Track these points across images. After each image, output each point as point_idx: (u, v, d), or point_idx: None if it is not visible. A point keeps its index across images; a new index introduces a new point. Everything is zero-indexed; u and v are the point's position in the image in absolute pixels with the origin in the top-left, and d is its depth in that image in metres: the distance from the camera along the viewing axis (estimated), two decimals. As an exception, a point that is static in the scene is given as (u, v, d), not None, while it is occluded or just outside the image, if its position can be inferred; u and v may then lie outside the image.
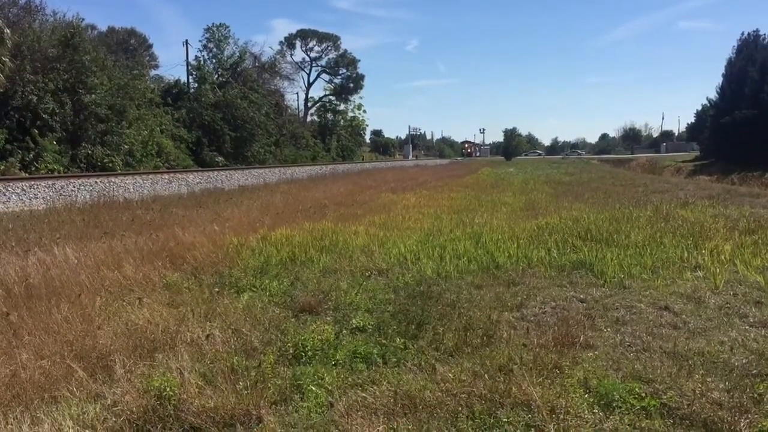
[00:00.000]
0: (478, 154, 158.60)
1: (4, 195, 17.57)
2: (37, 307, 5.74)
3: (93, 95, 30.82)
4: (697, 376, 4.34)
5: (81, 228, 11.18)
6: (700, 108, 77.13)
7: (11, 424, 3.60)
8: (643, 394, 4.03)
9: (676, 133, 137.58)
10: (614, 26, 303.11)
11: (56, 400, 4.03)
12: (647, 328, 5.57)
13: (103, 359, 4.66)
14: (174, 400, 3.90)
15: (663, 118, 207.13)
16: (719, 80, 60.67)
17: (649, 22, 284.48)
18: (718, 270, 7.69)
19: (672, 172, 55.18)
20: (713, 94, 62.12)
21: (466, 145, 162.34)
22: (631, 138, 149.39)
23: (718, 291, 6.91)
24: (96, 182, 21.69)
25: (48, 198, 18.07)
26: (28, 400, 3.98)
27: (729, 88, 56.91)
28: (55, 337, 5.04)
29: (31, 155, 26.93)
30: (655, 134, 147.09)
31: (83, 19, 35.74)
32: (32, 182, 19.62)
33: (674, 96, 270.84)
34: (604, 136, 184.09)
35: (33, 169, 26.51)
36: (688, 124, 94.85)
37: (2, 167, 24.82)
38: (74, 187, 20.29)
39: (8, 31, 27.57)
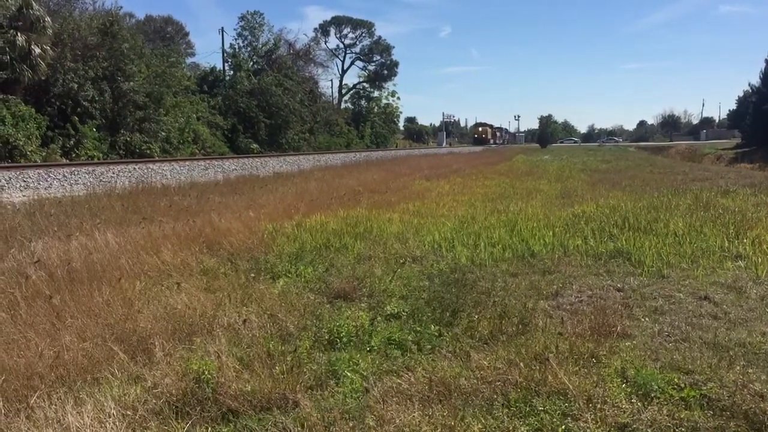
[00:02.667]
0: (500, 140, 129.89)
1: (47, 181, 17.94)
2: (79, 291, 5.86)
3: (131, 83, 31.31)
4: (738, 367, 4.26)
5: (120, 213, 11.38)
6: (741, 94, 75.16)
7: (55, 405, 3.69)
8: (683, 385, 3.98)
9: (717, 120, 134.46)
10: (652, 11, 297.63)
11: (98, 381, 4.12)
12: (686, 318, 5.48)
13: (143, 342, 4.76)
14: (212, 383, 3.96)
15: (703, 105, 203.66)
16: (762, 65, 58.89)
17: (687, 7, 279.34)
18: (760, 260, 7.53)
19: (712, 159, 53.97)
20: (756, 80, 60.36)
21: (480, 129, 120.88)
22: (670, 125, 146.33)
23: (760, 281, 6.77)
24: (134, 169, 22.03)
25: (88, 184, 18.40)
26: (71, 381, 4.09)
27: (772, 74, 55.26)
28: (97, 320, 5.15)
29: (72, 142, 27.49)
30: (695, 121, 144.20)
31: (121, 8, 36.48)
32: (73, 168, 20.01)
33: (715, 82, 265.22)
34: (642, 123, 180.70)
35: (74, 155, 27.05)
36: (729, 110, 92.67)
37: (44, 154, 25.37)
38: (113, 173, 20.63)
39: (49, 19, 28.12)
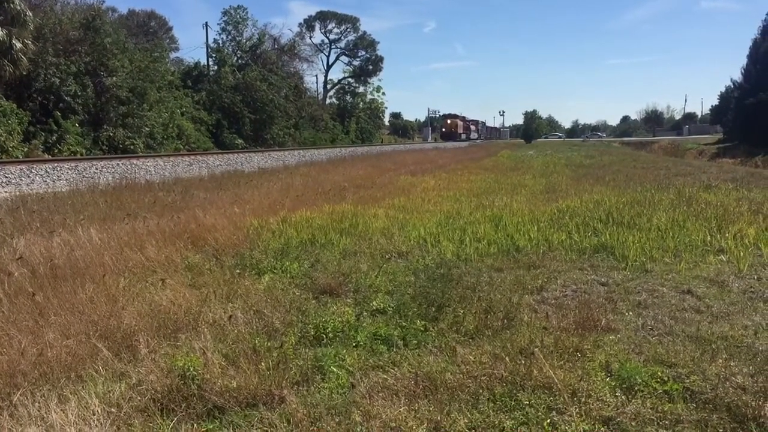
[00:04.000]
0: (475, 135, 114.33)
1: (29, 177, 17.77)
2: (62, 288, 5.81)
3: (114, 78, 31.06)
4: (720, 360, 4.30)
5: (104, 209, 11.29)
6: (723, 90, 75.88)
7: (38, 402, 3.66)
8: (666, 378, 4.01)
9: (699, 116, 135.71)
10: (635, 6, 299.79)
11: (82, 378, 4.09)
12: (670, 312, 5.53)
13: (128, 339, 4.72)
14: (197, 379, 3.94)
15: (686, 100, 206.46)
16: (744, 61, 59.48)
17: (670, 2, 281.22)
18: (741, 254, 7.60)
19: (695, 154, 54.42)
20: (738, 76, 60.95)
21: (448, 122, 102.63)
22: (653, 120, 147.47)
23: (742, 275, 6.84)
24: (118, 164, 21.86)
25: (71, 180, 18.24)
26: (55, 378, 4.05)
27: (754, 69, 55.71)
28: (81, 317, 5.11)
29: (54, 137, 27.24)
30: (678, 116, 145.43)
31: (104, 2, 36.11)
32: (56, 164, 19.82)
33: (697, 77, 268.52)
34: (625, 119, 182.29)
35: (56, 151, 26.81)
36: (711, 106, 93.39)
37: (26, 149, 25.12)
38: (97, 169, 20.47)
39: (30, 14, 27.79)
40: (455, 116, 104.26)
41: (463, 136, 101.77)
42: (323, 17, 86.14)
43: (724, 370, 4.12)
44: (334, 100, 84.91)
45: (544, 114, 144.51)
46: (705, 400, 3.76)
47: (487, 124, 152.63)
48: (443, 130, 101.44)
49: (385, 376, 4.11)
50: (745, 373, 4.10)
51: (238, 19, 58.44)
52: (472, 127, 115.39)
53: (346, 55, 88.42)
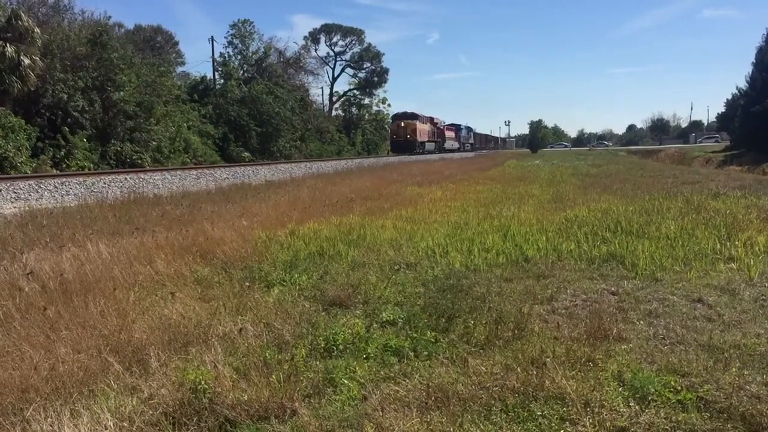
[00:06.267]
0: (455, 144, 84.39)
1: (37, 192, 17.85)
2: (72, 302, 5.83)
3: (121, 92, 31.31)
4: (733, 369, 4.27)
5: (113, 224, 11.32)
6: (729, 97, 75.68)
7: (51, 417, 3.66)
8: (679, 388, 3.98)
9: (706, 123, 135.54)
10: (637, 15, 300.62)
11: (94, 393, 4.09)
12: (681, 321, 5.50)
13: (139, 353, 4.73)
14: (209, 393, 3.94)
15: (692, 108, 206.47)
16: (749, 69, 59.47)
17: (672, 10, 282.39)
18: (752, 261, 7.56)
19: (702, 162, 54.30)
20: (743, 83, 60.90)
21: (401, 125, 64.22)
22: (659, 128, 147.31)
23: (753, 283, 6.80)
24: (126, 179, 21.95)
25: (79, 194, 18.30)
26: (67, 393, 4.05)
27: (760, 77, 55.61)
28: (92, 331, 5.12)
29: (62, 153, 27.43)
30: (684, 124, 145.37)
31: (110, 17, 36.41)
32: (64, 179, 19.92)
33: (703, 85, 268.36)
34: (631, 127, 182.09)
35: (64, 166, 26.98)
36: (718, 113, 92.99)
37: (35, 165, 25.28)
38: (105, 183, 20.54)
39: (38, 30, 28.10)
40: (413, 116, 66.32)
41: (430, 146, 70.28)
42: (328, 30, 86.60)
43: (737, 379, 4.10)
44: (339, 112, 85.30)
45: (549, 123, 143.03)
46: (719, 409, 3.74)
47: (493, 134, 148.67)
48: (393, 137, 66.54)
49: (397, 388, 4.10)
50: (759, 381, 4.07)
51: (245, 32, 58.92)
52: (449, 134, 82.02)
53: (352, 68, 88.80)
